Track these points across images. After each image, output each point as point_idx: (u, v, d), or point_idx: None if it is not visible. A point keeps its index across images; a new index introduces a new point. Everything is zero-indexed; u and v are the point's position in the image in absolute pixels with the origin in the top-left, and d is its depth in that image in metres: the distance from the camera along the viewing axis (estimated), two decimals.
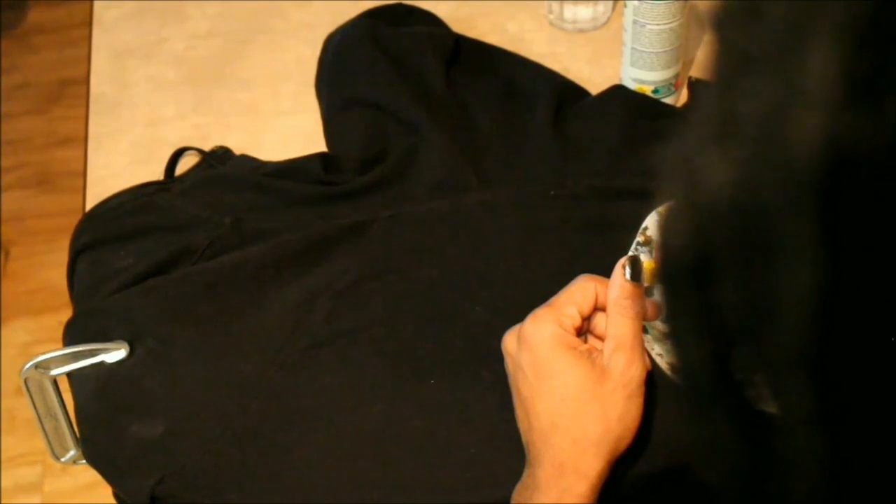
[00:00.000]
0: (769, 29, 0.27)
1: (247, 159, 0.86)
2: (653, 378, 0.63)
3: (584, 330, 0.62)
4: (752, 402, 0.31)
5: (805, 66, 0.26)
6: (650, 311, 0.62)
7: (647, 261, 0.70)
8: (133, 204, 0.80)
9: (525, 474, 0.59)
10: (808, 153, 0.26)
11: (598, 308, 0.61)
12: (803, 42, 0.26)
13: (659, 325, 0.67)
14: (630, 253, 0.71)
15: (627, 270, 0.60)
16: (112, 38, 1.00)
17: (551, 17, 0.97)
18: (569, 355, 0.58)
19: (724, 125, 0.28)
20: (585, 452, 0.57)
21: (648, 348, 0.64)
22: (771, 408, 0.30)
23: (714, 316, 0.30)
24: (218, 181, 0.82)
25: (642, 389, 0.59)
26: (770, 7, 0.28)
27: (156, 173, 0.85)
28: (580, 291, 0.60)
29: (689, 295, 0.31)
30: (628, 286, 0.59)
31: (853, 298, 0.27)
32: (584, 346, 0.59)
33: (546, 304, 0.60)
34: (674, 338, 0.33)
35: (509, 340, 0.61)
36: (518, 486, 0.60)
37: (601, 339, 0.61)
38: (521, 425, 0.60)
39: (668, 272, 0.32)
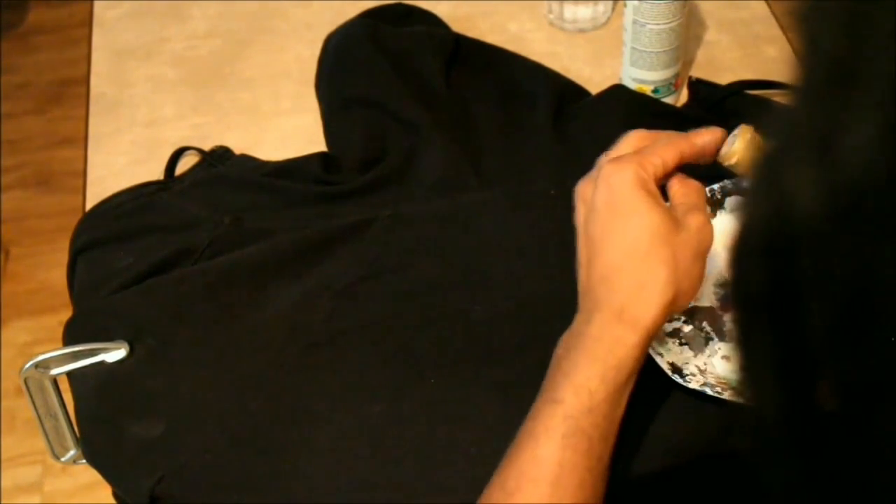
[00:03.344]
0: (874, 38, 0.25)
1: (247, 159, 0.86)
2: (652, 378, 0.63)
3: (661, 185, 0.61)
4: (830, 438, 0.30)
5: None
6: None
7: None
8: (133, 204, 0.80)
9: (576, 320, 0.58)
10: None
11: (684, 161, 0.61)
12: None
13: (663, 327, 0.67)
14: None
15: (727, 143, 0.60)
16: (112, 38, 1.00)
17: (551, 17, 0.97)
18: (648, 198, 0.57)
19: (819, 144, 0.26)
20: (647, 299, 0.56)
21: (648, 348, 0.64)
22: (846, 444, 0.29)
23: (796, 348, 0.29)
24: (218, 181, 0.82)
25: (706, 258, 0.59)
26: (877, 11, 0.25)
27: (156, 173, 0.85)
28: (665, 144, 0.60)
29: (767, 325, 0.30)
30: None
31: None
32: (661, 199, 0.59)
33: (627, 154, 0.60)
34: (747, 372, 0.31)
35: (584, 185, 0.60)
36: (564, 335, 0.58)
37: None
38: (582, 271, 0.59)
39: (745, 293, 0.30)
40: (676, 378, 0.63)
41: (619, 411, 0.57)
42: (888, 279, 0.25)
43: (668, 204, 0.59)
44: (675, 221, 0.57)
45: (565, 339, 0.58)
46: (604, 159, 0.60)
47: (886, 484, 0.29)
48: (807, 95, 0.28)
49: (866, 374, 0.27)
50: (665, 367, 0.64)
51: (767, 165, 0.29)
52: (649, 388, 0.64)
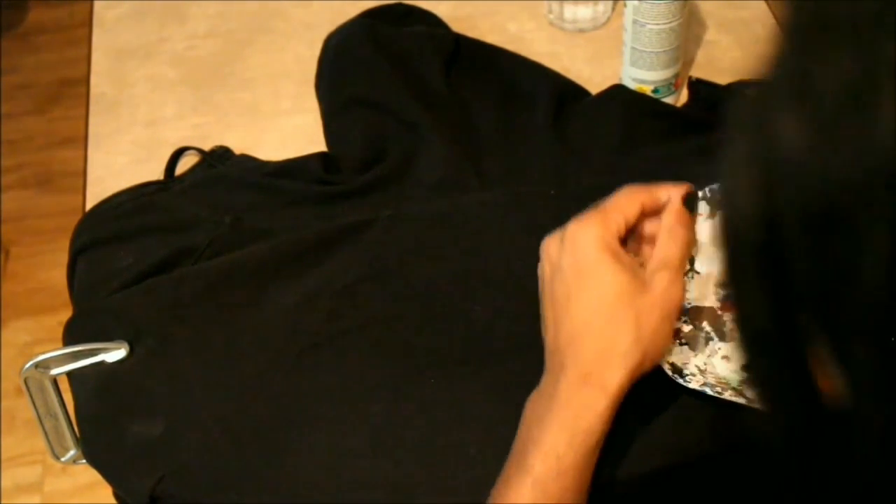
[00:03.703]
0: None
1: (247, 159, 0.86)
2: (652, 378, 0.63)
3: (626, 239, 0.61)
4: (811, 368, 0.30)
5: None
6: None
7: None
8: (133, 204, 0.80)
9: (543, 381, 0.58)
10: (891, 133, 0.25)
11: (645, 214, 0.61)
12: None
13: None
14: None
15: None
16: (112, 38, 1.00)
17: (551, 17, 0.97)
18: (612, 261, 0.57)
19: (803, 87, 0.27)
20: (612, 362, 0.56)
21: None
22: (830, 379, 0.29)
23: (781, 279, 0.29)
24: (218, 181, 0.82)
25: (676, 315, 0.59)
26: None
27: (156, 173, 0.85)
28: (627, 200, 0.60)
29: (754, 255, 0.30)
30: (685, 214, 0.60)
31: None
32: (628, 257, 0.59)
33: (592, 210, 0.60)
34: (736, 291, 0.32)
35: (551, 243, 0.60)
36: (532, 396, 0.59)
37: (649, 243, 0.61)
38: (548, 332, 0.59)
39: (733, 230, 0.31)
40: (676, 378, 0.63)
41: (591, 469, 0.57)
42: (869, 225, 0.26)
43: (638, 258, 0.61)
44: (640, 283, 0.58)
45: (534, 399, 0.59)
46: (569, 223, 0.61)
47: (850, 424, 0.30)
48: (789, 40, 0.29)
49: (852, 317, 0.28)
50: (665, 367, 0.64)
51: (751, 106, 0.30)
52: (649, 388, 0.64)
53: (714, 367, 0.66)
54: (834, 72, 0.26)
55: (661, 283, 0.58)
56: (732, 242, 0.31)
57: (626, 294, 0.57)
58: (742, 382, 0.65)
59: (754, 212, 0.30)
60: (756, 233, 0.30)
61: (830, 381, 0.29)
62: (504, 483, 0.57)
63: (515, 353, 0.69)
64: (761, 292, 0.31)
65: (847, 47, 0.26)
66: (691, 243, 0.60)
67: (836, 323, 0.29)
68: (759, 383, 0.33)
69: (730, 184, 0.31)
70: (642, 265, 0.60)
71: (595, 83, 0.89)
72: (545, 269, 0.60)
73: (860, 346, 0.28)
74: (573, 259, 0.58)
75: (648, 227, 0.62)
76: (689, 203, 0.61)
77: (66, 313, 0.75)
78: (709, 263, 0.70)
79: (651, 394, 0.64)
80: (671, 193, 0.61)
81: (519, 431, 0.59)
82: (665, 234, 0.60)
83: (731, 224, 0.31)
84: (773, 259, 0.29)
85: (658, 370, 0.63)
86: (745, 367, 0.34)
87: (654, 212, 0.61)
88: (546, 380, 0.58)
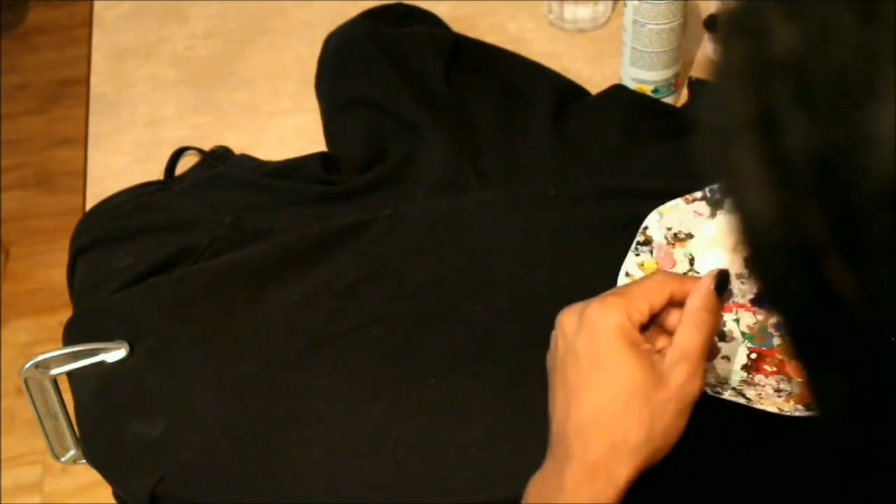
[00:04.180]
0: None
1: (247, 159, 0.86)
2: None
3: (649, 325, 0.58)
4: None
5: None
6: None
7: (647, 261, 0.70)
8: (133, 204, 0.80)
9: (547, 467, 0.56)
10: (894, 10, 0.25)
11: (671, 304, 0.58)
12: None
13: None
14: (631, 252, 0.71)
15: (714, 282, 0.57)
16: (112, 38, 1.00)
17: (551, 17, 0.97)
18: (630, 352, 0.55)
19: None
20: (621, 458, 0.54)
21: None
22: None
23: (780, 159, 0.29)
24: (218, 181, 0.82)
25: (692, 408, 0.56)
26: None
27: (156, 173, 0.85)
28: (656, 287, 0.57)
29: (751, 141, 0.29)
30: (713, 299, 0.56)
31: None
32: (647, 346, 0.56)
33: (616, 291, 0.57)
34: (732, 180, 0.31)
35: (568, 319, 0.57)
36: (535, 478, 0.57)
37: (669, 333, 0.58)
38: (557, 412, 0.57)
39: (727, 121, 0.30)
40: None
41: None
42: (875, 98, 0.26)
43: (657, 345, 0.58)
44: (656, 376, 0.55)
45: (537, 484, 0.57)
46: (596, 300, 0.57)
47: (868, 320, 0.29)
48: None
49: (860, 204, 0.27)
50: None
51: (742, 7, 0.30)
52: None
53: (714, 367, 0.66)
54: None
55: (678, 376, 0.55)
56: (728, 143, 0.30)
57: (641, 389, 0.54)
58: (742, 382, 0.65)
59: (751, 111, 0.29)
60: (752, 132, 0.29)
61: (850, 289, 0.29)
62: None
63: (515, 352, 0.69)
64: (761, 180, 0.30)
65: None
66: (715, 331, 0.57)
67: (845, 213, 0.28)
68: (766, 282, 0.32)
69: (723, 87, 0.30)
70: (661, 351, 0.57)
71: (595, 83, 0.89)
72: (559, 343, 0.57)
73: (870, 219, 0.27)
74: (589, 343, 0.55)
75: (674, 316, 0.58)
76: (720, 287, 0.57)
77: (66, 313, 0.75)
78: (709, 264, 0.70)
79: None
80: (704, 280, 0.57)
81: None
82: (689, 320, 0.56)
83: (724, 120, 0.30)
84: (774, 157, 0.29)
85: None
86: (752, 268, 0.33)
87: (683, 301, 0.58)
88: (550, 465, 0.56)
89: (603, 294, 0.57)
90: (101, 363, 0.70)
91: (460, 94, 0.87)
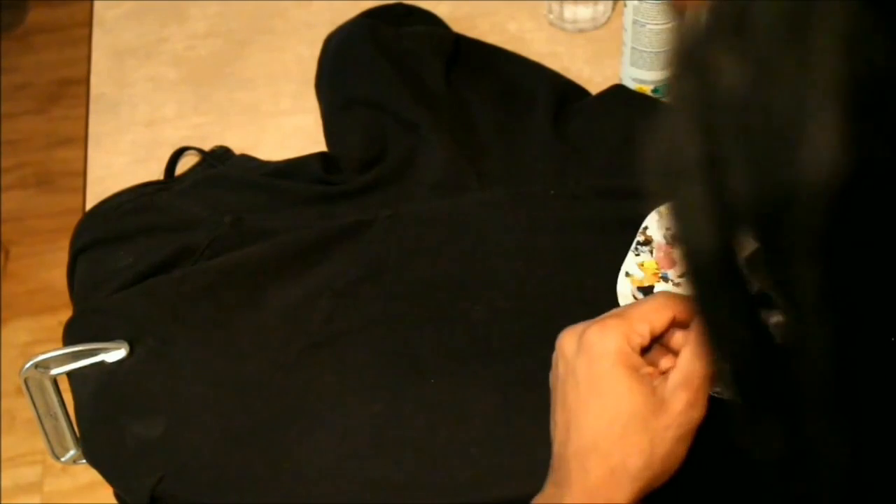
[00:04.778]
0: None
1: (247, 159, 0.86)
2: None
3: (651, 346, 0.58)
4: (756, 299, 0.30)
5: None
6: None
7: (647, 261, 0.70)
8: (133, 204, 0.80)
9: (547, 491, 0.56)
10: (832, 54, 0.25)
11: (675, 325, 0.57)
12: None
13: None
14: (631, 252, 0.71)
15: None
16: (112, 38, 1.00)
17: (551, 17, 0.97)
18: (630, 377, 0.54)
19: (740, 22, 0.28)
20: (620, 484, 0.54)
21: None
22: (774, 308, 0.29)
23: (723, 198, 0.29)
24: (218, 181, 0.82)
25: (694, 434, 0.55)
26: None
27: (156, 173, 0.85)
28: (657, 310, 0.56)
29: (695, 179, 0.30)
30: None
31: (871, 184, 0.26)
32: (647, 369, 0.56)
33: (616, 313, 0.56)
34: (678, 217, 0.31)
35: (568, 341, 0.56)
36: (537, 500, 0.56)
37: (674, 353, 0.57)
38: (558, 435, 0.56)
39: (674, 159, 0.31)
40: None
41: None
42: (809, 142, 0.26)
43: (659, 369, 0.57)
44: (657, 402, 0.54)
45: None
46: (595, 322, 0.56)
47: (796, 346, 0.30)
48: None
49: (793, 239, 0.28)
50: None
51: (690, 46, 0.30)
52: None
53: None
54: (770, 5, 0.27)
55: (678, 403, 0.54)
56: (673, 173, 0.31)
57: (640, 414, 0.54)
58: None
59: (697, 151, 0.29)
60: (697, 162, 0.30)
61: (776, 316, 0.29)
62: None
63: (515, 352, 0.69)
64: (704, 217, 0.30)
65: None
66: None
67: (777, 246, 0.28)
68: (708, 321, 0.33)
69: (671, 125, 0.31)
70: (665, 373, 0.56)
71: (595, 83, 0.89)
72: (559, 364, 0.57)
73: (801, 268, 0.28)
74: (588, 367, 0.55)
75: (678, 336, 0.57)
76: None
77: (66, 313, 0.75)
78: None
79: None
80: None
81: None
82: (692, 347, 0.55)
83: (671, 154, 0.31)
84: (717, 197, 0.29)
85: None
86: (695, 307, 0.33)
87: (686, 323, 0.57)
88: (551, 490, 0.56)
89: (603, 316, 0.56)
90: (101, 363, 0.70)
91: (460, 94, 0.87)
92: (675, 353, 0.56)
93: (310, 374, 0.69)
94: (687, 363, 0.55)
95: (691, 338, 0.56)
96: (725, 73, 0.28)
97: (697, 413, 0.54)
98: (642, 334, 0.55)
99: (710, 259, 0.31)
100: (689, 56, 0.30)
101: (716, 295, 0.32)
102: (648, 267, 0.70)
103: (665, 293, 0.58)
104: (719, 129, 0.28)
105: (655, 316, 0.56)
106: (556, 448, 0.56)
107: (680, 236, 0.32)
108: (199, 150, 0.86)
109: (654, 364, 0.57)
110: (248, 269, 0.74)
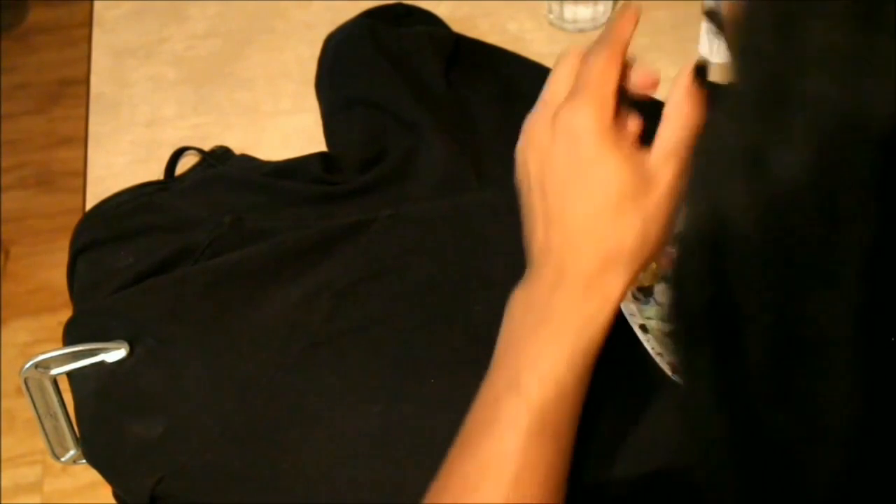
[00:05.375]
0: (807, 56, 0.25)
1: (247, 159, 0.86)
2: (650, 378, 0.63)
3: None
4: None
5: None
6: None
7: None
8: (133, 204, 0.80)
9: (533, 283, 0.52)
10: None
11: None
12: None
13: (659, 325, 0.67)
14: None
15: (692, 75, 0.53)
16: (112, 38, 1.00)
17: (551, 17, 0.97)
18: (616, 155, 0.51)
19: (750, 158, 0.26)
20: (616, 268, 0.51)
21: (648, 348, 0.64)
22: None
23: (736, 367, 0.28)
24: (218, 181, 0.82)
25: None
26: (811, 25, 0.25)
27: (156, 173, 0.85)
28: (607, 68, 0.52)
29: (706, 339, 0.29)
30: (694, 90, 0.52)
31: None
32: (627, 143, 0.52)
33: (574, 89, 0.52)
34: (686, 395, 0.31)
35: (538, 130, 0.53)
36: (518, 293, 0.53)
37: (630, 104, 0.54)
38: (537, 227, 0.53)
39: (684, 307, 0.30)
40: (677, 378, 0.63)
41: (586, 389, 0.52)
42: (817, 288, 0.25)
43: (633, 137, 0.53)
44: (645, 178, 0.51)
45: (521, 302, 0.53)
46: (547, 97, 0.53)
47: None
48: (739, 109, 0.27)
49: (803, 385, 0.27)
50: (665, 367, 0.64)
51: (699, 176, 0.29)
52: (649, 387, 0.64)
53: None
54: (784, 154, 0.25)
55: (667, 175, 0.52)
56: (682, 320, 0.30)
57: (631, 192, 0.50)
58: None
59: (706, 290, 0.28)
60: (707, 310, 0.28)
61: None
62: (493, 405, 0.52)
63: None
64: (715, 390, 0.29)
65: (799, 132, 0.25)
66: (699, 123, 0.52)
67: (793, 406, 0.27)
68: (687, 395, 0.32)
69: (681, 257, 0.29)
70: (635, 143, 0.53)
71: None
72: (529, 158, 0.53)
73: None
74: (569, 151, 0.51)
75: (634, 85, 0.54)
76: (700, 75, 0.52)
77: (66, 313, 0.75)
78: None
79: (651, 394, 0.64)
80: (682, 71, 0.53)
81: (504, 336, 0.54)
82: (672, 114, 0.53)
83: (681, 302, 0.30)
84: (728, 344, 0.28)
85: (658, 370, 0.63)
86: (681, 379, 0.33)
87: (645, 85, 0.54)
88: (536, 283, 0.52)
89: (562, 97, 0.53)
90: (101, 363, 0.70)
91: (460, 94, 0.87)
92: (634, 107, 0.54)
93: (310, 374, 0.69)
94: (670, 133, 0.53)
95: (670, 108, 0.53)
96: (734, 207, 0.26)
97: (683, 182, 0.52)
98: (610, 102, 0.52)
99: (718, 431, 0.30)
100: (700, 184, 0.29)
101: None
102: (648, 267, 0.70)
103: (598, 47, 0.54)
104: (726, 267, 0.27)
105: (610, 76, 0.53)
106: (534, 243, 0.53)
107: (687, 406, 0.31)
108: (199, 150, 0.86)
109: (622, 128, 0.54)
110: (248, 269, 0.74)
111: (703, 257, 0.28)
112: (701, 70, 0.53)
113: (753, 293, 0.27)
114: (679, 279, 0.30)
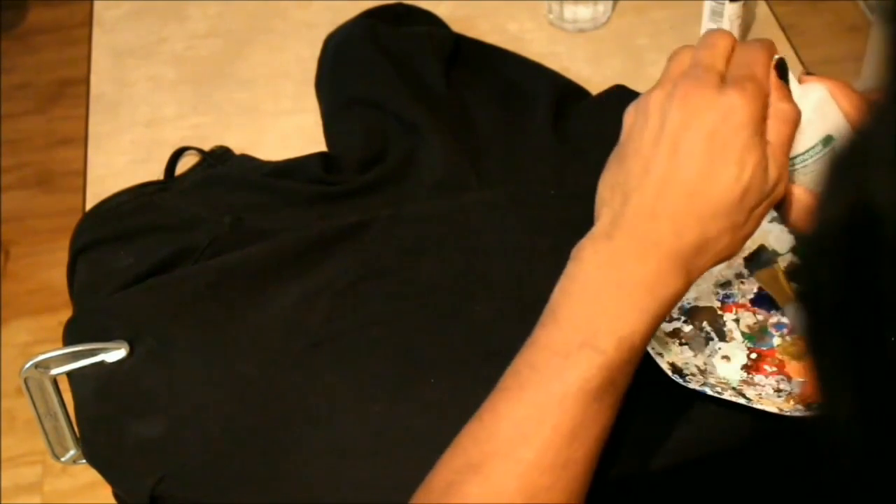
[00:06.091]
0: None
1: (247, 159, 0.86)
2: (652, 378, 0.63)
3: None
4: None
5: None
6: None
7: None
8: (133, 204, 0.80)
9: (616, 242, 0.52)
10: None
11: None
12: None
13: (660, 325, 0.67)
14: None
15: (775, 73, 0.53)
16: (112, 38, 1.00)
17: (551, 17, 0.97)
18: (762, 148, 0.51)
19: None
20: (707, 253, 0.51)
21: (648, 348, 0.64)
22: None
23: (874, 357, 0.27)
24: (218, 181, 0.82)
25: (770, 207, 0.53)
26: None
27: (156, 173, 0.85)
28: (762, 59, 0.52)
29: (843, 334, 0.28)
30: (784, 89, 0.52)
31: None
32: (766, 143, 0.52)
33: (742, 74, 0.51)
34: (822, 387, 0.29)
35: (696, 92, 0.51)
36: (591, 247, 0.53)
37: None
38: (648, 186, 0.51)
39: (820, 300, 0.29)
40: (676, 378, 0.63)
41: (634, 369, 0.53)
42: None
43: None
44: (767, 179, 0.51)
45: (595, 255, 0.52)
46: (708, 61, 0.52)
47: None
48: (892, 96, 0.27)
49: None
50: (665, 367, 0.64)
51: (845, 169, 0.28)
52: (649, 388, 0.64)
53: (714, 367, 0.66)
54: None
55: (774, 177, 0.51)
56: (818, 312, 0.29)
57: (754, 188, 0.50)
58: (742, 382, 0.65)
59: (846, 284, 0.27)
60: (846, 306, 0.27)
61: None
62: (561, 353, 0.51)
63: (515, 352, 0.69)
64: (848, 373, 0.28)
65: None
66: (798, 121, 0.52)
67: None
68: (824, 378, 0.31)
69: (816, 250, 0.28)
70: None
71: (595, 83, 0.89)
72: (675, 109, 0.51)
73: None
74: (726, 131, 0.50)
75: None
76: (782, 73, 0.53)
77: (66, 313, 0.75)
78: None
79: (651, 394, 0.64)
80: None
81: (572, 286, 0.53)
82: (771, 116, 0.52)
83: (816, 295, 0.29)
84: (865, 333, 0.27)
85: (658, 370, 0.63)
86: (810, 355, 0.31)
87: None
88: (619, 243, 0.52)
89: (728, 76, 0.52)
90: (101, 363, 0.70)
91: (460, 94, 0.87)
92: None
93: (310, 374, 0.69)
94: (774, 134, 0.51)
95: (772, 113, 0.52)
96: (884, 198, 0.25)
97: (781, 189, 0.52)
98: (765, 102, 0.51)
99: (851, 422, 0.29)
100: (844, 175, 0.28)
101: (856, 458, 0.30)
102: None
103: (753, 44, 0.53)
104: (871, 263, 0.26)
105: (768, 76, 0.52)
106: (631, 204, 0.52)
107: (818, 388, 0.30)
108: (199, 150, 0.86)
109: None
110: (248, 269, 0.74)
111: (845, 248, 0.27)
112: (782, 68, 0.53)
113: None
114: (813, 270, 0.29)
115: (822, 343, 0.30)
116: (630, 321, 0.51)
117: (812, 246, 0.29)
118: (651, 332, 0.51)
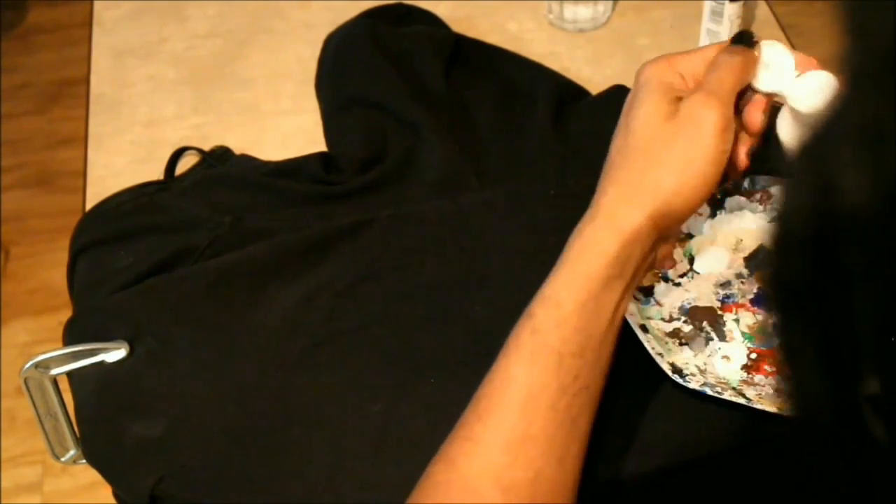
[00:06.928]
0: None
1: (247, 159, 0.86)
2: (652, 378, 0.63)
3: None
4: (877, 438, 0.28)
5: None
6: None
7: None
8: (133, 204, 0.80)
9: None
10: None
11: None
12: None
13: (659, 325, 0.67)
14: None
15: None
16: (112, 38, 1.00)
17: (551, 17, 0.97)
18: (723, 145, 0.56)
19: (868, 132, 0.26)
20: (631, 200, 0.55)
21: (648, 348, 0.64)
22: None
23: (842, 340, 0.27)
24: (218, 181, 0.82)
25: (725, 159, 0.57)
26: None
27: (156, 173, 0.85)
28: (741, 78, 0.58)
29: (809, 309, 0.28)
30: (734, 47, 0.58)
31: None
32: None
33: (710, 87, 0.57)
34: (790, 364, 0.30)
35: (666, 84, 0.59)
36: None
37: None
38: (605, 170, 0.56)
39: (787, 283, 0.29)
40: (676, 378, 0.63)
41: (601, 325, 0.53)
42: None
43: None
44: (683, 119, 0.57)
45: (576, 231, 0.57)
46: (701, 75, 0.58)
47: None
48: (856, 82, 0.27)
49: None
50: (665, 367, 0.64)
51: (811, 151, 0.28)
52: (649, 388, 0.64)
53: (714, 367, 0.66)
54: None
55: (708, 116, 0.56)
56: (782, 297, 0.29)
57: (669, 133, 0.55)
58: (742, 382, 0.65)
59: (813, 266, 0.28)
60: (814, 288, 0.28)
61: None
62: (512, 333, 0.55)
63: None
64: (818, 357, 0.29)
65: None
66: (749, 70, 0.58)
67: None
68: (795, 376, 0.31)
69: (784, 233, 0.29)
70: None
71: (595, 83, 0.89)
72: (644, 105, 0.59)
73: None
74: (689, 125, 0.56)
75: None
76: (740, 40, 0.58)
77: (66, 313, 0.75)
78: (709, 264, 0.70)
79: (651, 394, 0.64)
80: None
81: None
82: (713, 63, 0.57)
83: (783, 277, 0.29)
84: (833, 316, 0.27)
85: (658, 370, 0.63)
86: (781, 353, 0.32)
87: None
88: (616, 207, 0.56)
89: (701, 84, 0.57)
90: (101, 363, 0.70)
91: (460, 94, 0.87)
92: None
93: (310, 374, 0.69)
94: (715, 78, 0.57)
95: (715, 59, 0.57)
96: (850, 183, 0.26)
97: (730, 136, 0.56)
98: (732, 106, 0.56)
99: (823, 408, 0.30)
100: (811, 159, 0.28)
101: (830, 440, 0.30)
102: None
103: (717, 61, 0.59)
104: (838, 246, 0.27)
105: (738, 84, 0.57)
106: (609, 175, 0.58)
107: (790, 372, 0.30)
108: (199, 150, 0.86)
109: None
110: (248, 269, 0.74)
111: (811, 225, 0.28)
112: (744, 36, 0.58)
113: (865, 259, 0.26)
114: (783, 245, 0.29)
115: (790, 325, 0.30)
116: (556, 280, 0.54)
117: (779, 227, 0.29)
118: (577, 289, 0.53)
